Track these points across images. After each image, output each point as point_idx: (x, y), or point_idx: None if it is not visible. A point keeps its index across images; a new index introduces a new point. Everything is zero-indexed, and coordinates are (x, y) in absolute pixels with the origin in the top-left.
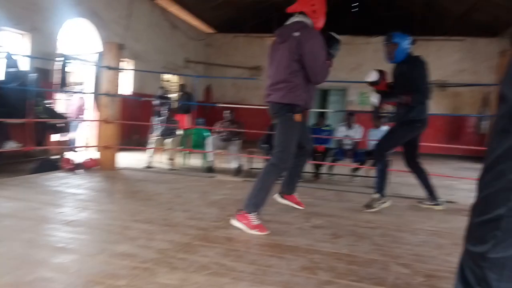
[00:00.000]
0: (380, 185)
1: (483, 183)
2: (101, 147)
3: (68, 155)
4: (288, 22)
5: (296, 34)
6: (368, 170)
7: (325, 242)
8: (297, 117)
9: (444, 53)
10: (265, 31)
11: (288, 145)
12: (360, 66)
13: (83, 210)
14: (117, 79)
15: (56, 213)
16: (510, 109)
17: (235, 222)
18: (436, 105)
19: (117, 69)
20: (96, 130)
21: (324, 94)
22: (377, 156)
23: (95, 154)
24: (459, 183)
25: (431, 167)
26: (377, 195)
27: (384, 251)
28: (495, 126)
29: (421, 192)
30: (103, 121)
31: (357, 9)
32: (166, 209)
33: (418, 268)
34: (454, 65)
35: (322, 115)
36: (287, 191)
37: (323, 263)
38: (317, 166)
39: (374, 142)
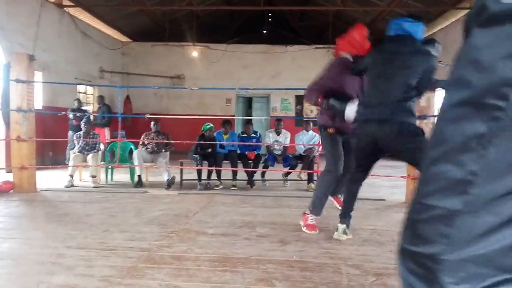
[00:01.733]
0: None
1: (431, 175)
2: (16, 168)
3: None
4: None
5: None
6: (299, 174)
7: (274, 251)
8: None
9: None
10: (185, 40)
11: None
12: (280, 73)
13: (4, 240)
14: (31, 92)
15: None
16: (473, 95)
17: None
18: None
19: (28, 82)
20: (8, 149)
21: (249, 102)
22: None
23: (7, 176)
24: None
25: None
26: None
27: (332, 254)
28: (448, 113)
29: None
30: (15, 140)
31: (271, 19)
32: (101, 232)
33: (368, 268)
34: None
35: (248, 123)
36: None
37: (277, 273)
38: (251, 174)
39: (301, 146)
